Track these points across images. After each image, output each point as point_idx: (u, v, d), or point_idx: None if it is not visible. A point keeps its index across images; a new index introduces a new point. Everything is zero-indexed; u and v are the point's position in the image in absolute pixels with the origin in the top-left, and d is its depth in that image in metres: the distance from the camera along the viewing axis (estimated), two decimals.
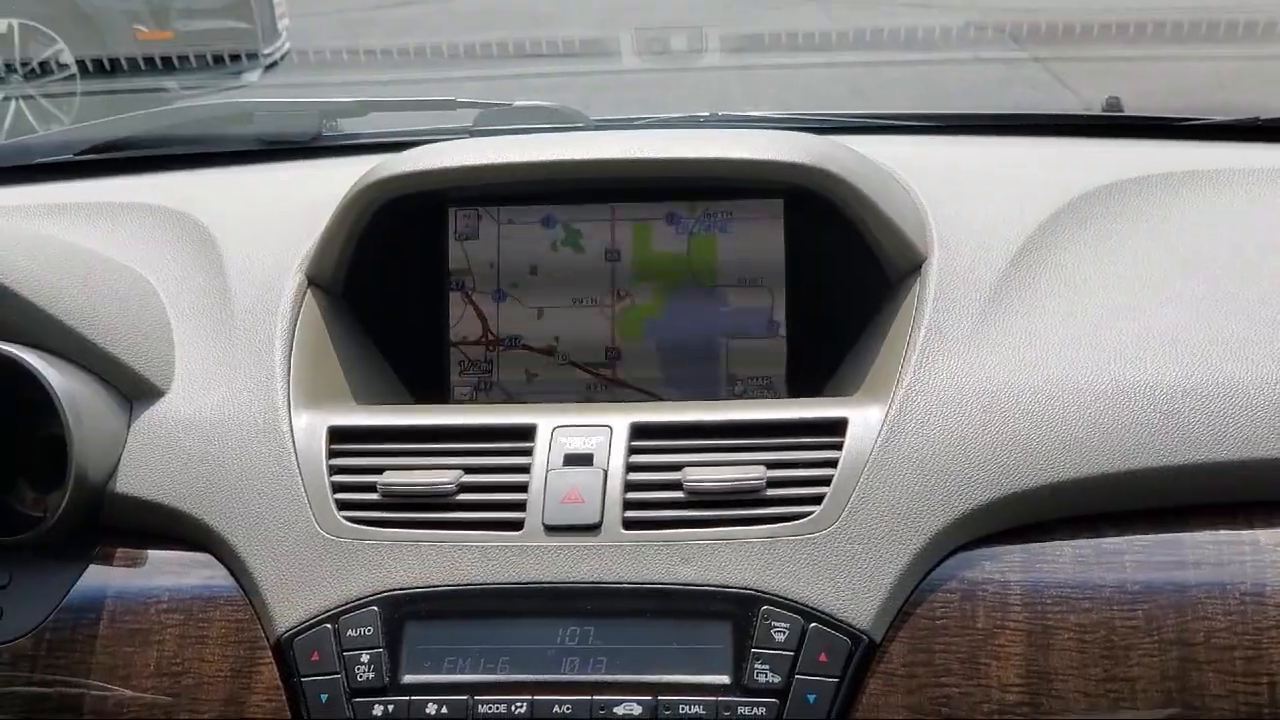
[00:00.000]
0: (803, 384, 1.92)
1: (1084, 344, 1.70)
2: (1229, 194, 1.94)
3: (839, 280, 1.91)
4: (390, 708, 1.57)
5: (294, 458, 1.70)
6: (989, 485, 1.61)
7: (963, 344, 1.71)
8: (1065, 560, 1.60)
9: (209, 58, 6.01)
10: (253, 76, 7.28)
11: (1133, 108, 2.45)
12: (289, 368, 1.78)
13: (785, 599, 1.57)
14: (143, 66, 4.85)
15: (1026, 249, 1.82)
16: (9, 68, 7.10)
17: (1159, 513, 1.63)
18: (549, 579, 1.61)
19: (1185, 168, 1.99)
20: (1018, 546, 1.62)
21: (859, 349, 1.85)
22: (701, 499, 1.63)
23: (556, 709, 1.56)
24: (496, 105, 2.41)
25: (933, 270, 1.79)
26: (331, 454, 1.71)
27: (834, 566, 1.58)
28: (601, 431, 1.69)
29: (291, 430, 1.72)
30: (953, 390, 1.67)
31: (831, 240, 1.88)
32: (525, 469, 1.67)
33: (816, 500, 1.62)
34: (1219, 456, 1.61)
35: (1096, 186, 1.93)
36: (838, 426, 1.67)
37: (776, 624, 1.56)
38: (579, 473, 1.66)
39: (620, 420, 1.70)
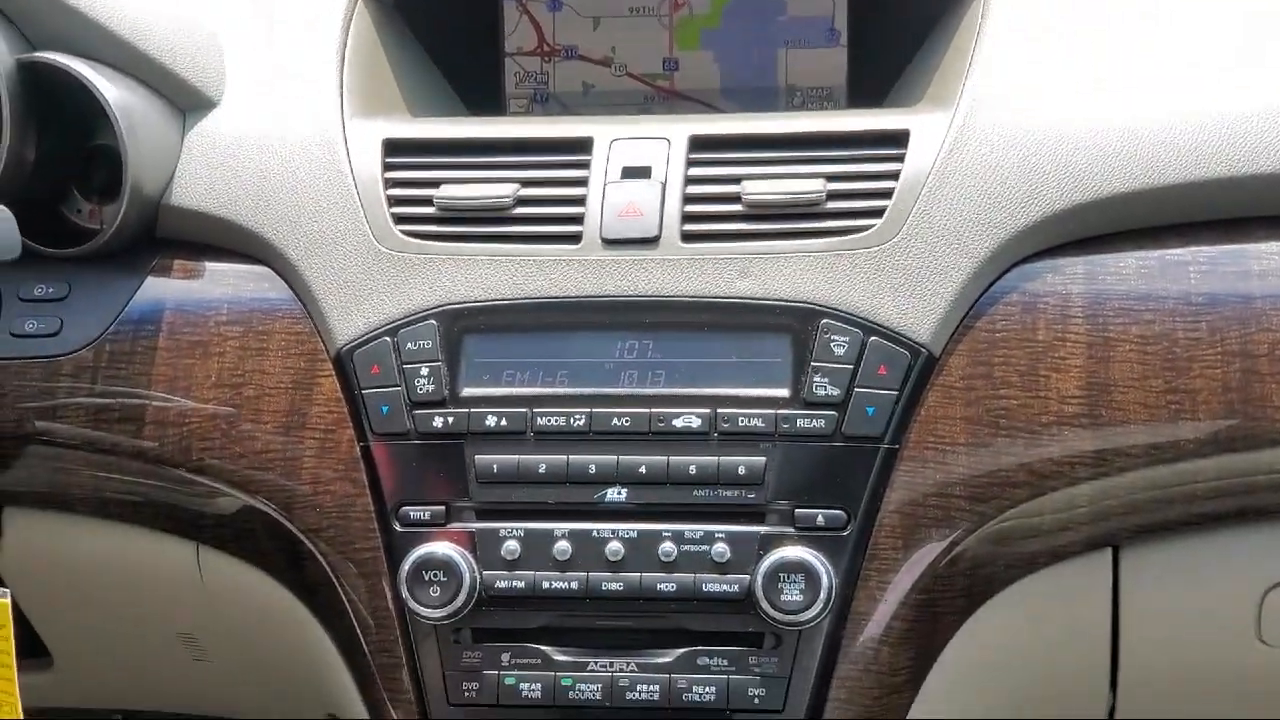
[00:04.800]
0: (864, 95, 1.88)
1: (1155, 55, 1.66)
2: None
3: None
4: (450, 419, 1.58)
5: (349, 169, 1.69)
6: (1055, 196, 1.58)
7: (1030, 52, 1.67)
8: (1128, 271, 1.59)
9: None
10: None
11: None
12: (341, 79, 1.75)
13: (845, 312, 1.56)
14: None
15: None
16: None
17: (1225, 224, 1.61)
18: (607, 292, 1.60)
19: None
20: (1080, 258, 1.60)
21: (922, 59, 1.81)
22: (761, 212, 1.61)
23: (615, 421, 1.56)
24: None
25: None
26: (387, 166, 1.69)
27: (894, 280, 1.57)
28: (659, 143, 1.66)
29: (346, 141, 1.70)
30: (1019, 100, 1.63)
31: None
32: (583, 182, 1.65)
33: (878, 213, 1.60)
34: None
35: None
36: (900, 138, 1.64)
37: (836, 337, 1.55)
38: (637, 185, 1.64)
39: (678, 132, 1.67)
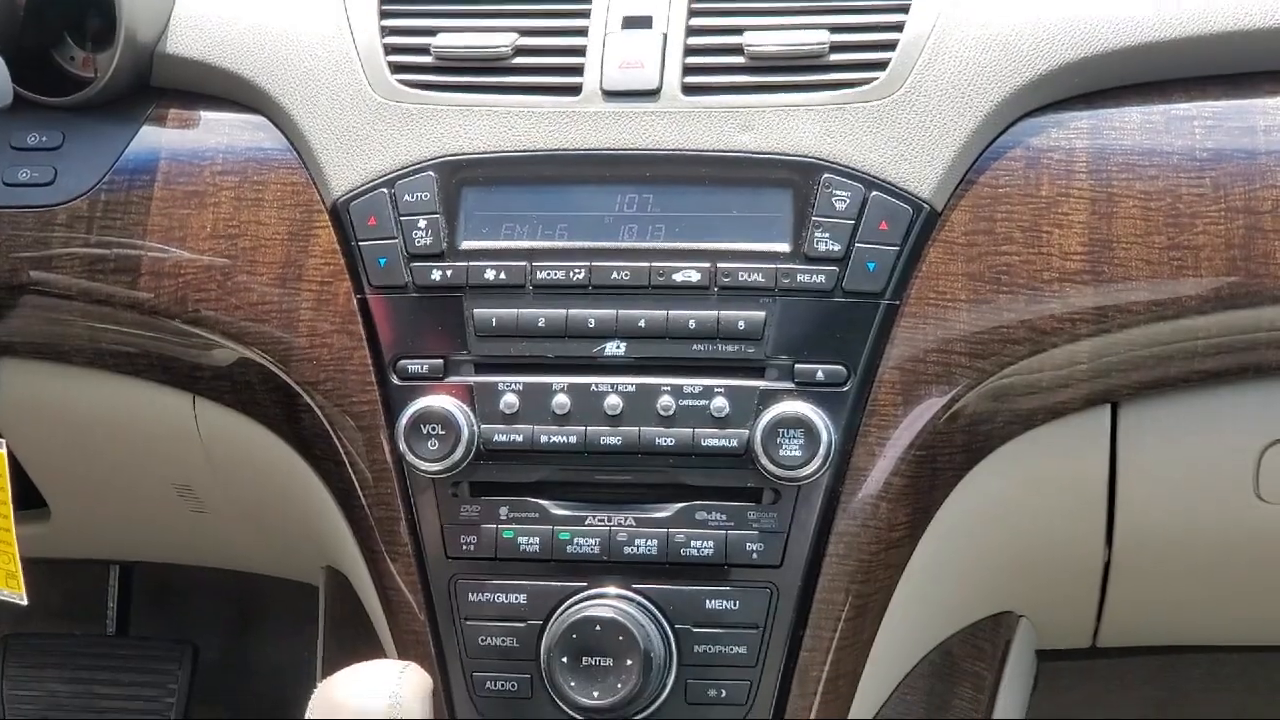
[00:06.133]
0: None
1: None
2: None
3: None
4: (449, 272, 1.58)
5: (345, 17, 1.67)
6: (1061, 48, 1.57)
7: None
8: (1133, 126, 1.57)
9: None
10: None
11: None
12: None
13: (847, 166, 1.55)
14: None
15: None
16: None
17: (1231, 79, 1.59)
18: (607, 145, 1.59)
19: None
20: (1085, 113, 1.58)
21: None
22: (763, 64, 1.59)
23: (615, 275, 1.56)
24: None
25: None
26: (383, 14, 1.67)
27: (897, 134, 1.55)
28: None
29: None
30: None
31: None
32: (582, 31, 1.63)
33: (881, 65, 1.58)
34: None
35: None
36: None
37: (838, 192, 1.54)
38: (637, 35, 1.62)
39: None
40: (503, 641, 1.57)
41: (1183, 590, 1.84)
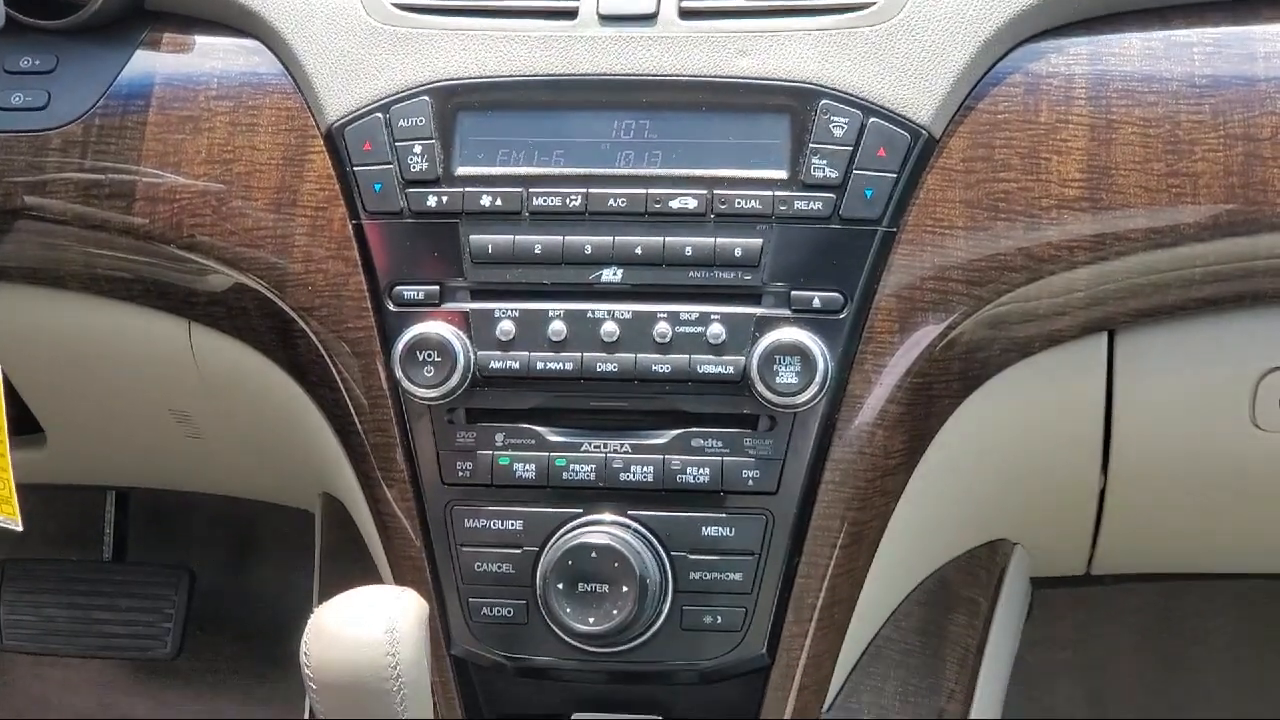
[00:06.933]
0: None
1: None
2: None
3: None
4: (444, 198, 1.57)
5: None
6: None
7: None
8: (1133, 53, 1.56)
9: None
10: None
11: None
12: None
13: (845, 93, 1.54)
14: None
15: None
16: None
17: (1232, 5, 1.59)
18: (603, 70, 1.58)
19: None
20: (1084, 39, 1.58)
21: None
22: None
23: (611, 201, 1.55)
24: None
25: None
26: None
27: (895, 60, 1.54)
28: None
29: None
30: None
31: None
32: None
33: None
34: None
35: None
36: None
37: (835, 118, 1.53)
38: None
39: None
40: (499, 568, 1.57)
41: (1177, 518, 1.84)
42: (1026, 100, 1.55)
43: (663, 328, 1.54)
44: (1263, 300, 1.60)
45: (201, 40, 1.70)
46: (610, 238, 1.55)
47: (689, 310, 1.54)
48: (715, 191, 1.54)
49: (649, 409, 1.56)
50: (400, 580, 1.61)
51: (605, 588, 1.51)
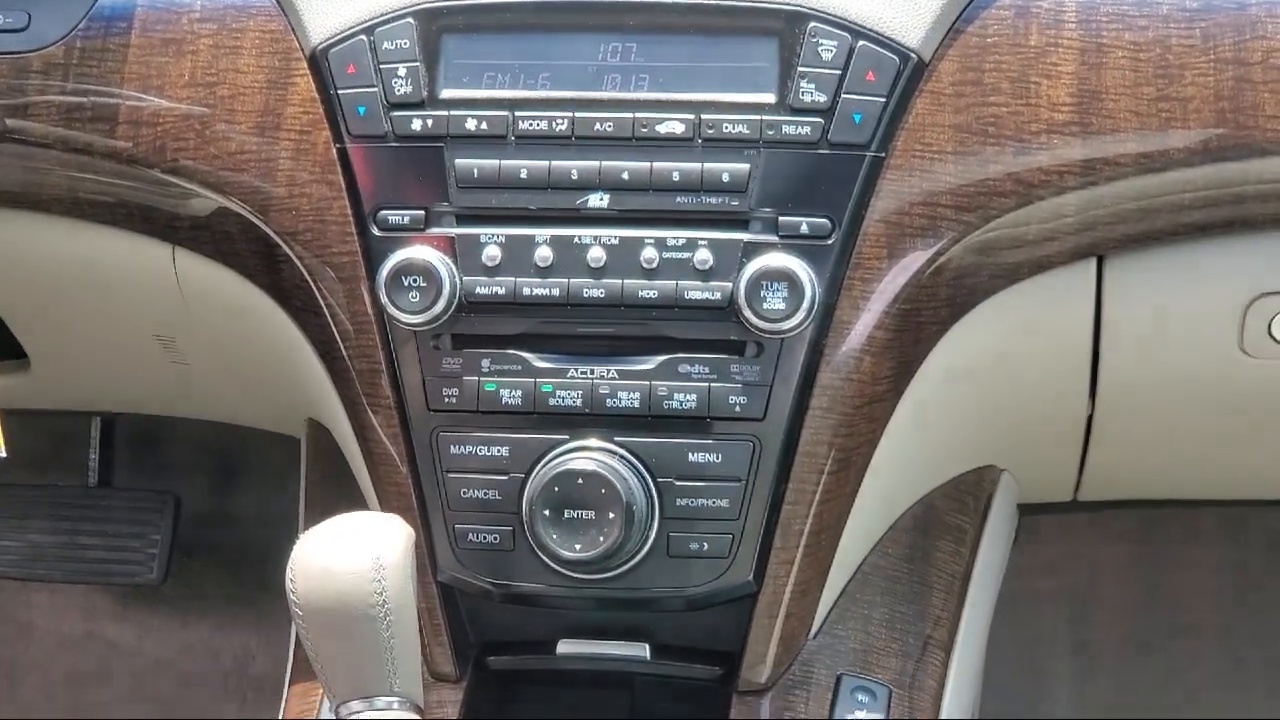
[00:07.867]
0: None
1: None
2: None
3: None
4: (429, 121, 1.56)
5: None
6: None
7: None
8: None
9: None
10: None
11: None
12: None
13: (833, 16, 1.52)
14: None
15: None
16: None
17: None
18: None
19: None
20: None
21: None
22: None
23: (598, 126, 1.54)
24: None
25: None
26: None
27: None
28: None
29: None
30: None
31: None
32: None
33: None
34: None
35: None
36: None
37: (824, 41, 1.52)
38: None
39: None
40: (485, 494, 1.57)
41: (1164, 444, 1.84)
42: (1016, 23, 1.54)
43: (649, 253, 1.53)
44: (1252, 226, 1.59)
45: None
46: (597, 162, 1.54)
47: (676, 236, 1.53)
48: (703, 116, 1.53)
49: (636, 335, 1.55)
50: (386, 507, 1.61)
51: (591, 514, 1.51)
